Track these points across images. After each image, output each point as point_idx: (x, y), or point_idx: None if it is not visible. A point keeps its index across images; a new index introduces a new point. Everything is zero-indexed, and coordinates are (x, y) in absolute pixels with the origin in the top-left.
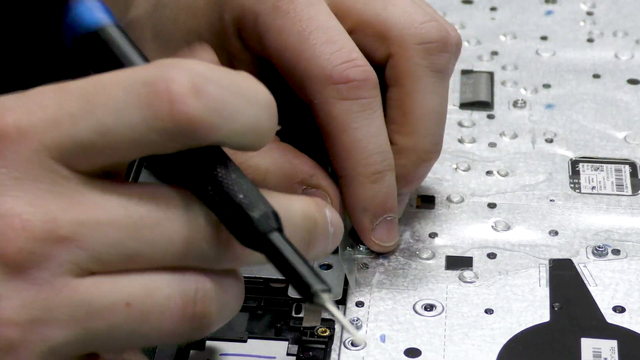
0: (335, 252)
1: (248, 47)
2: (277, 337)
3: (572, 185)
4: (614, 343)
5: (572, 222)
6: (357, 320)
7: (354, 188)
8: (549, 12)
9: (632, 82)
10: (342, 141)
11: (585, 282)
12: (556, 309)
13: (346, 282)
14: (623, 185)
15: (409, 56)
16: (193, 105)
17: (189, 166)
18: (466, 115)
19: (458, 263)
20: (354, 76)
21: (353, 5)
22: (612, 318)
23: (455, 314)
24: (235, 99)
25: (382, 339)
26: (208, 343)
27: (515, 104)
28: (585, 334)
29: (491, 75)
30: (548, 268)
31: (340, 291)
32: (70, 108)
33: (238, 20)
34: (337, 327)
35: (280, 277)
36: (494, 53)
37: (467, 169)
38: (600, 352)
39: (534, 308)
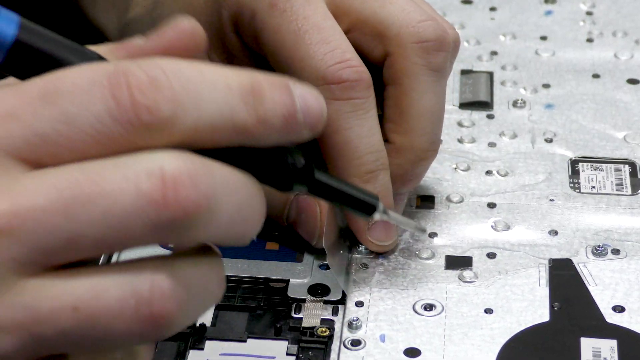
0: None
1: (245, 44)
2: (277, 337)
3: (572, 185)
4: (613, 343)
5: (571, 222)
6: (356, 320)
7: None
8: (548, 12)
9: (631, 82)
10: (335, 142)
11: (585, 281)
12: (556, 308)
13: (346, 282)
14: (623, 185)
15: (406, 55)
16: (152, 96)
17: None
18: (466, 115)
19: (458, 263)
20: (347, 77)
21: (351, 3)
22: (611, 318)
23: (454, 313)
24: (200, 87)
25: (382, 338)
26: (208, 343)
27: (514, 103)
28: (585, 334)
29: (491, 75)
30: (548, 268)
31: (340, 291)
32: (32, 100)
33: (235, 17)
34: (336, 327)
35: (280, 277)
36: (494, 53)
37: (467, 169)
38: (600, 351)
39: (533, 308)
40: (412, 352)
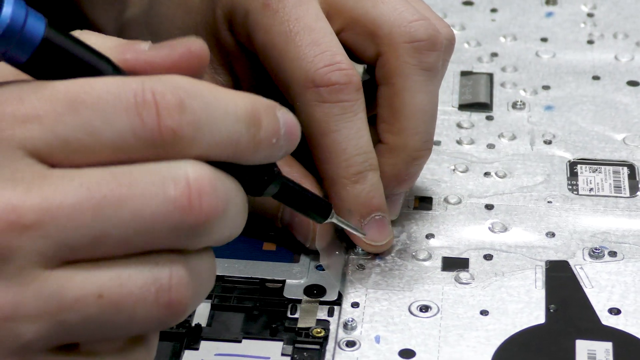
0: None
1: (239, 42)
2: (272, 337)
3: (570, 187)
4: (609, 345)
5: (569, 224)
6: (352, 321)
7: (337, 190)
8: (549, 14)
9: (631, 84)
10: (323, 144)
11: (582, 283)
12: (552, 310)
13: (342, 283)
14: (621, 187)
15: (397, 54)
16: (178, 119)
17: None
18: (465, 116)
19: (454, 264)
20: (336, 79)
21: (344, 3)
22: (607, 320)
23: (450, 315)
24: (215, 113)
25: (377, 339)
26: (203, 343)
27: (514, 105)
28: (581, 336)
29: (491, 76)
30: (544, 270)
31: (336, 292)
32: (56, 105)
33: (229, 16)
34: (332, 327)
35: (276, 277)
36: (494, 54)
37: (465, 170)
38: (595, 354)
39: (529, 310)
40: (407, 353)
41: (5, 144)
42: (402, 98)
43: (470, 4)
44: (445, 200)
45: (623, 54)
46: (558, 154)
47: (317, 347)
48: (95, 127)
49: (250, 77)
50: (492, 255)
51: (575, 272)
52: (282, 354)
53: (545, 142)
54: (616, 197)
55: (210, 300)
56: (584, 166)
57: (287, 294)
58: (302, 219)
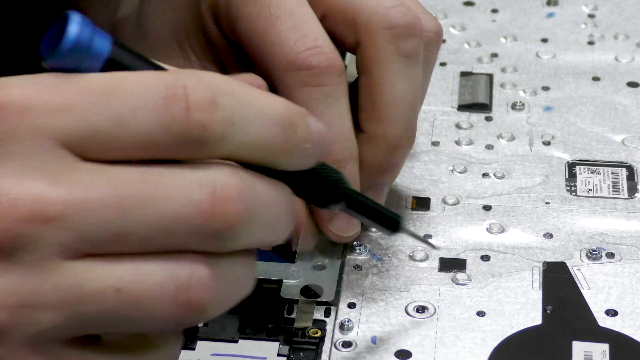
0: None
1: (225, 35)
2: (269, 337)
3: (568, 188)
4: (605, 346)
5: (567, 225)
6: (348, 322)
7: None
8: (550, 15)
9: (631, 85)
10: None
11: (579, 285)
12: (548, 312)
13: (339, 284)
14: (619, 189)
15: (375, 41)
16: (208, 115)
17: None
18: (464, 117)
19: (451, 265)
20: (317, 63)
21: None
22: (604, 321)
23: (447, 316)
24: (248, 113)
25: (373, 340)
26: (199, 343)
27: (513, 106)
28: (577, 337)
29: (490, 77)
30: (542, 271)
31: (333, 292)
32: (88, 96)
33: (213, 8)
34: (328, 328)
35: (273, 278)
36: (494, 55)
37: (464, 171)
38: (592, 355)
39: (526, 311)
40: (403, 354)
41: (38, 133)
42: (381, 86)
43: (471, 4)
44: (443, 200)
45: (623, 55)
46: (557, 155)
47: (314, 347)
48: (124, 118)
49: (238, 71)
50: (490, 256)
51: (572, 273)
52: (279, 354)
53: (544, 143)
54: (614, 198)
55: None
56: (582, 167)
57: (284, 294)
58: None
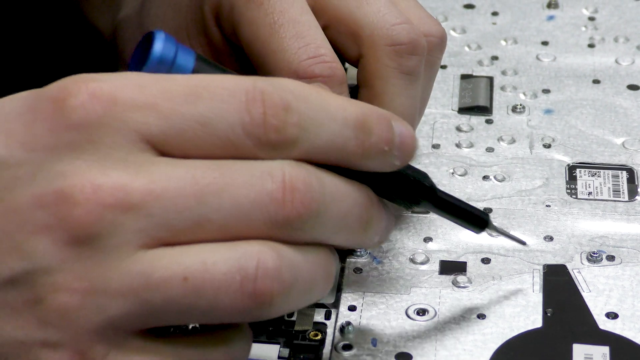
0: None
1: (227, 38)
2: (269, 340)
3: (569, 191)
4: (606, 349)
5: (567, 228)
6: (348, 325)
7: None
8: (550, 17)
9: (632, 87)
10: None
11: (579, 288)
12: (548, 314)
13: (339, 288)
14: (620, 191)
15: (378, 57)
16: (283, 119)
17: None
18: (464, 119)
19: (452, 268)
20: (320, 72)
21: (329, 1)
22: (604, 324)
23: (447, 318)
24: (321, 117)
25: (374, 343)
26: None
27: (514, 109)
28: (578, 340)
29: (490, 79)
30: (542, 274)
31: (333, 295)
32: (174, 96)
33: (216, 11)
34: (328, 330)
35: None
36: (494, 58)
37: (464, 174)
38: (592, 358)
39: (526, 313)
40: (403, 356)
41: (122, 126)
42: (381, 101)
43: (472, 7)
44: None
45: (624, 58)
46: (557, 157)
47: (314, 350)
48: (209, 119)
49: (240, 73)
50: (490, 259)
51: (573, 276)
52: (279, 357)
53: (544, 145)
54: (615, 201)
55: None
56: (582, 170)
57: None
58: None
